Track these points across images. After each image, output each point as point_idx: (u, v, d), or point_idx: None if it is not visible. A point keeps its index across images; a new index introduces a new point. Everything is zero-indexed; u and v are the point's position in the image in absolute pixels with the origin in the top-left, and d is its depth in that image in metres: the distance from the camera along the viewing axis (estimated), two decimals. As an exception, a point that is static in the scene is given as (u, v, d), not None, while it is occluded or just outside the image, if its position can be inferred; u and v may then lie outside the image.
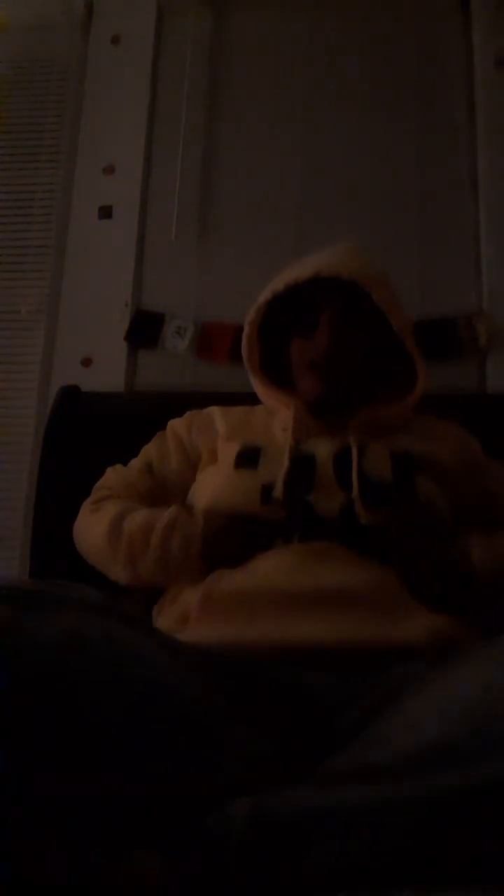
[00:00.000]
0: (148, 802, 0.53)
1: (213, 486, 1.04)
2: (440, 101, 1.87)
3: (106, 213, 1.90)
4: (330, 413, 1.12)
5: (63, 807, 0.51)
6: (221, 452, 1.10)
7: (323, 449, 1.04)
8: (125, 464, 1.21)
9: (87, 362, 1.81)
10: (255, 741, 0.58)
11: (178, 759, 0.55)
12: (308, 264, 1.10)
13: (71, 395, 1.59)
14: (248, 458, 1.04)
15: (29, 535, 1.49)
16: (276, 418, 1.15)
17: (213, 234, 1.86)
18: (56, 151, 1.99)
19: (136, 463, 1.19)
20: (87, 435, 1.51)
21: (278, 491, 0.97)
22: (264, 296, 1.14)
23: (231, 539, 0.96)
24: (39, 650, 0.55)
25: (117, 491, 1.14)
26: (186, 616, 0.92)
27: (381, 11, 1.92)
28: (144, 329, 1.81)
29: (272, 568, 0.91)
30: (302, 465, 1.01)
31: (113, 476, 1.19)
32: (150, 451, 1.20)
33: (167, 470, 1.16)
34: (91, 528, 1.09)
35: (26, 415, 1.83)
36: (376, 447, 1.04)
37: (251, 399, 1.22)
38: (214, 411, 1.20)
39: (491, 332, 1.69)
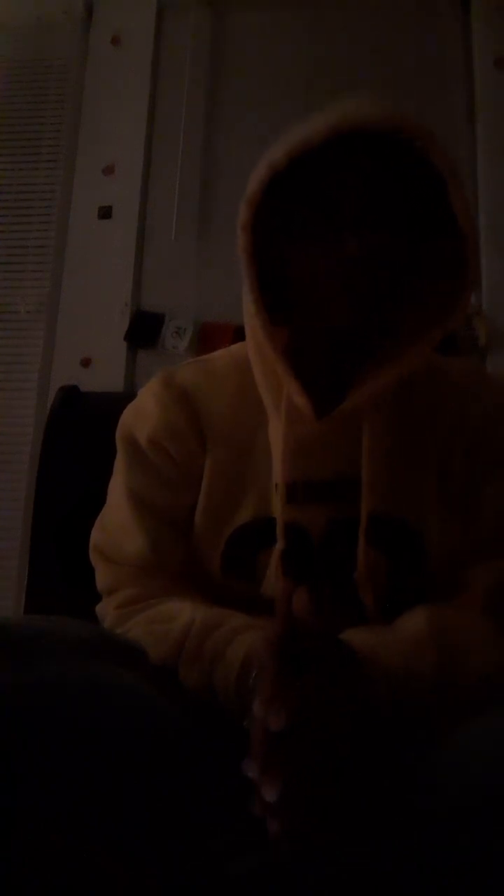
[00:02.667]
0: (142, 849, 0.53)
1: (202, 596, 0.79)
2: (440, 101, 1.87)
3: (106, 213, 1.90)
4: (335, 377, 0.77)
5: (66, 825, 0.52)
6: (202, 517, 0.79)
7: (318, 522, 0.76)
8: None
9: (86, 362, 1.81)
10: (252, 794, 0.58)
11: (168, 817, 0.55)
12: (319, 121, 0.72)
13: (70, 395, 1.58)
14: (239, 559, 0.77)
15: (28, 533, 1.50)
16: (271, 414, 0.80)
17: (213, 234, 1.86)
18: (56, 151, 1.99)
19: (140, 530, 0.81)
20: (87, 435, 1.50)
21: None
22: (258, 176, 0.74)
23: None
24: (20, 702, 0.54)
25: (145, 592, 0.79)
26: None
27: (381, 11, 1.92)
28: (144, 329, 1.81)
29: None
30: (298, 557, 0.75)
31: (126, 577, 0.81)
32: (144, 493, 0.83)
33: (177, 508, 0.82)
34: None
35: (26, 415, 1.84)
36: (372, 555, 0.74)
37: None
38: (193, 415, 0.83)
39: (490, 332, 1.70)
